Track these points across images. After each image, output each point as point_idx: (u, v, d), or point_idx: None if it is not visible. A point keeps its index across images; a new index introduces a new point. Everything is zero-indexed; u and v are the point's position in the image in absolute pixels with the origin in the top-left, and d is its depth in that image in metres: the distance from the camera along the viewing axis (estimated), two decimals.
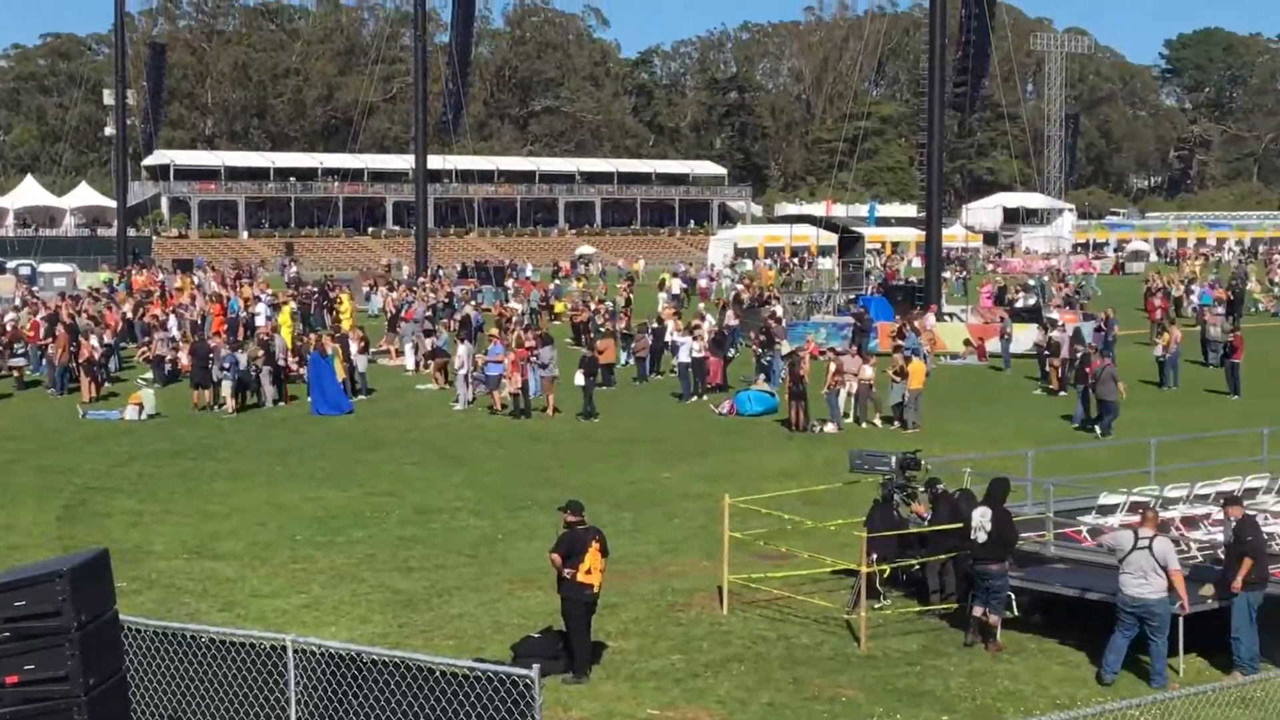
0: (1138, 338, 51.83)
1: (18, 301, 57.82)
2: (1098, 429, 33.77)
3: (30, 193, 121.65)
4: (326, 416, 36.70)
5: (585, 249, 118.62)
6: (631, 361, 44.95)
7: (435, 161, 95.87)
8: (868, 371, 35.60)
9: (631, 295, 62.46)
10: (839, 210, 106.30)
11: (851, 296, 55.92)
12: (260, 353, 39.53)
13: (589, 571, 16.31)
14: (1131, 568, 16.05)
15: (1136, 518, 17.33)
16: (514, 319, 51.19)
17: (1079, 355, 40.04)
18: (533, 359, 37.77)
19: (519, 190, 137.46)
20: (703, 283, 77.81)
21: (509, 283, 73.87)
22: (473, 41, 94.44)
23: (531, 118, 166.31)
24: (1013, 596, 18.17)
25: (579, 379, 36.91)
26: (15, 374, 43.15)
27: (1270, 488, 20.49)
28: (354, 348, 41.21)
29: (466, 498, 26.69)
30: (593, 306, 53.91)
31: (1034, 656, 17.43)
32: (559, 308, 62.07)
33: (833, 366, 35.23)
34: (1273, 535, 18.50)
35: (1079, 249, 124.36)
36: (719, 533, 19.91)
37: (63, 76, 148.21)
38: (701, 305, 61.80)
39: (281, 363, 39.89)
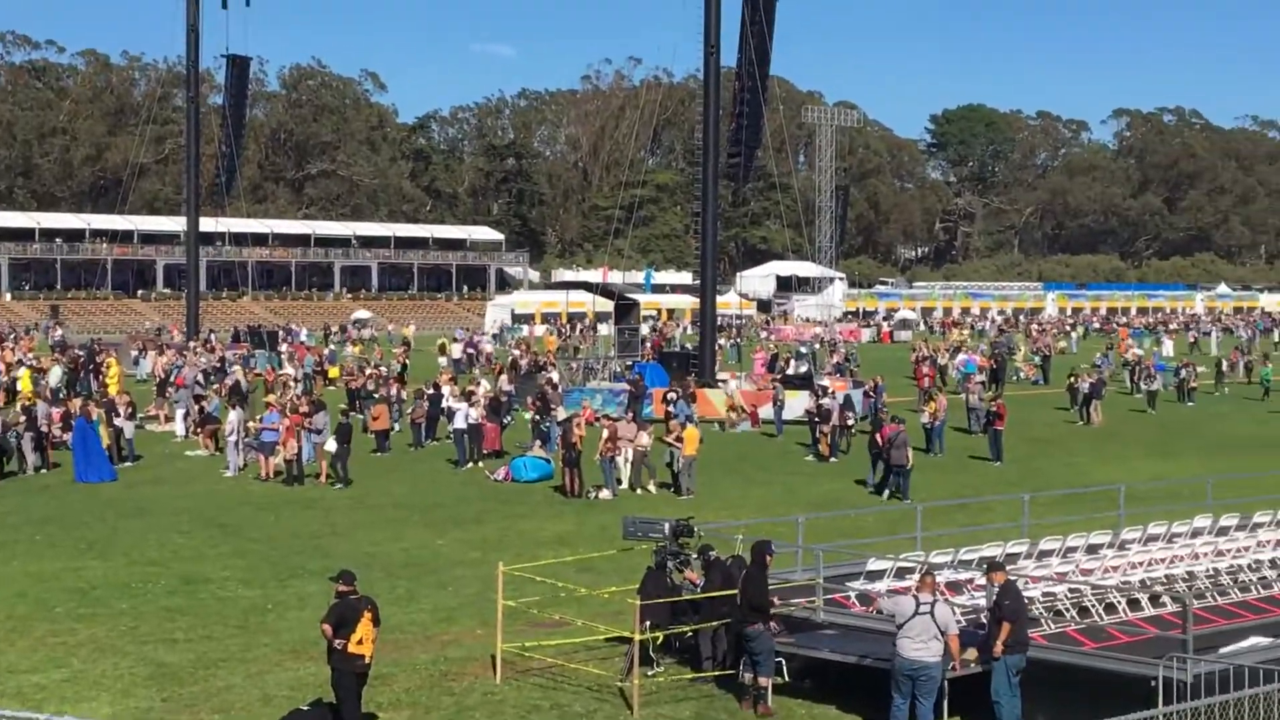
0: (906, 405, 52.98)
1: None
2: (885, 493, 34.43)
3: None
4: (91, 484, 35.68)
5: (361, 314, 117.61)
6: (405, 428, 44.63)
7: (208, 224, 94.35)
8: (644, 438, 35.82)
9: (407, 361, 62.05)
10: (615, 277, 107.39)
11: (627, 363, 56.26)
12: (21, 418, 38.32)
13: (360, 642, 16.07)
14: (913, 632, 16.31)
15: (912, 583, 17.65)
16: (288, 384, 50.49)
17: (849, 421, 40.91)
18: (307, 425, 37.25)
19: (294, 253, 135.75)
20: (487, 347, 77.67)
21: (283, 347, 72.81)
22: (247, 103, 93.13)
23: (307, 181, 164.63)
24: (783, 662, 18.38)
25: (330, 445, 36.42)
26: None
27: (1030, 553, 21.06)
28: (121, 413, 40.17)
29: (235, 566, 26.13)
30: (368, 372, 53.39)
31: None
32: (333, 373, 61.33)
33: (606, 433, 35.39)
34: (1033, 600, 19.01)
35: (849, 317, 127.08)
36: (493, 600, 19.80)
37: None
38: (476, 371, 61.65)
39: (44, 429, 38.70)
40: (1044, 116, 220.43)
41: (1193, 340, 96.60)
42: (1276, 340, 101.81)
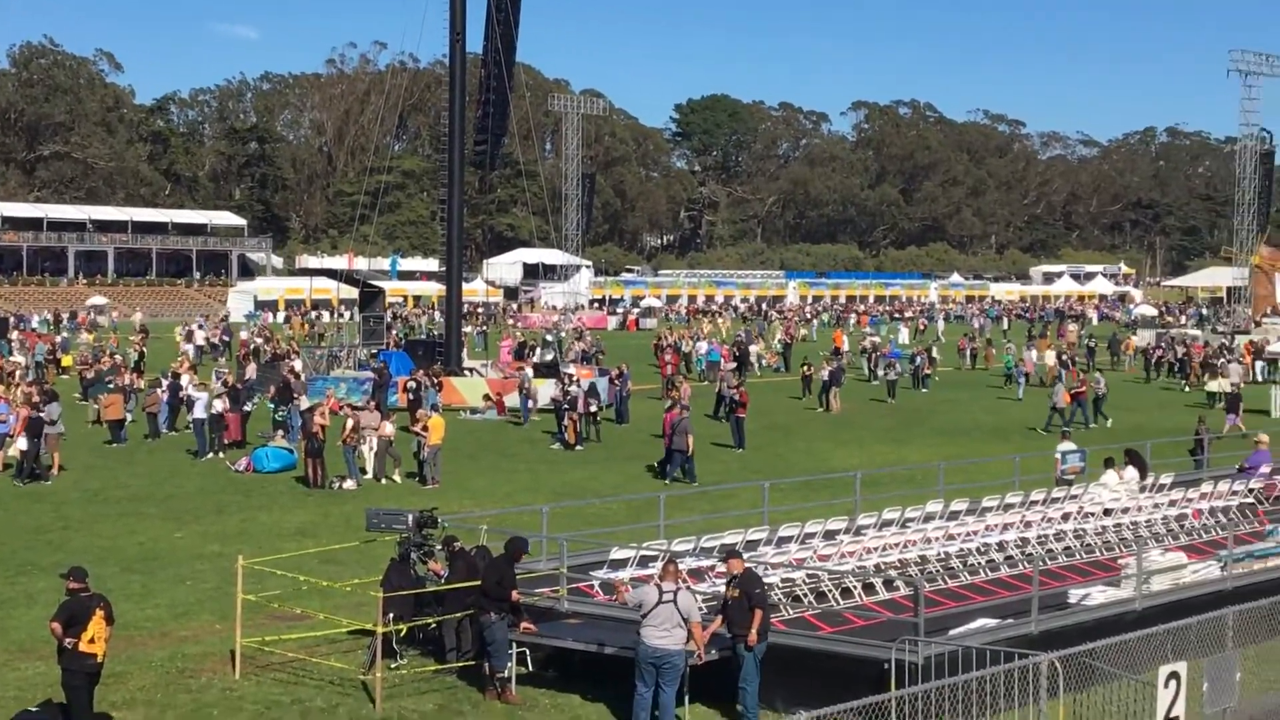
0: (650, 392, 53.50)
1: None
2: (668, 478, 34.94)
3: None
4: None
5: (97, 299, 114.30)
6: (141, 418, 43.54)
7: None
8: (387, 427, 35.53)
9: (144, 349, 60.52)
10: (361, 263, 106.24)
11: (372, 351, 55.71)
12: None
13: (92, 640, 15.63)
14: (656, 620, 16.45)
15: (655, 571, 17.84)
16: (18, 374, 48.85)
17: (593, 409, 41.09)
18: (40, 415, 36.02)
19: (25, 238, 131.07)
20: (242, 335, 76.20)
21: (13, 335, 70.38)
22: None
23: (39, 162, 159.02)
24: (527, 652, 18.41)
25: (21, 443, 35.12)
26: None
27: (770, 539, 21.44)
28: None
29: None
30: (103, 361, 51.92)
31: (547, 712, 17.66)
32: (66, 361, 59.52)
33: (350, 422, 35.00)
34: (771, 586, 19.37)
35: (595, 304, 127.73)
36: (233, 594, 19.46)
37: None
38: (222, 360, 60.42)
39: None
40: (786, 108, 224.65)
41: (922, 327, 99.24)
42: (1006, 328, 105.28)
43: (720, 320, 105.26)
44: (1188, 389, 61.07)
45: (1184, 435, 38.26)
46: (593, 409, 43.42)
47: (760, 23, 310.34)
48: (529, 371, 50.72)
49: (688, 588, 17.55)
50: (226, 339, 73.61)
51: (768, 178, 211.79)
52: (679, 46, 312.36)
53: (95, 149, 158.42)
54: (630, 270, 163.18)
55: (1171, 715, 13.71)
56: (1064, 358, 58.97)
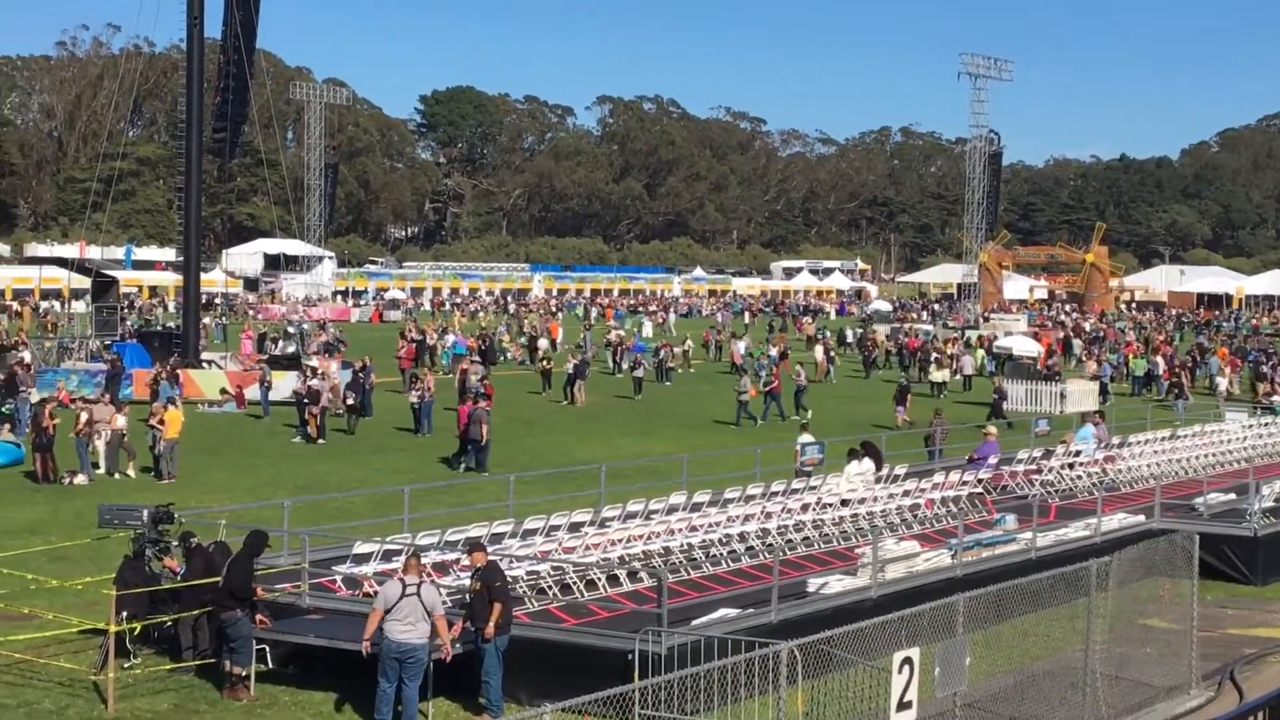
0: (393, 385, 53.03)
1: None
2: (461, 466, 35.21)
3: None
4: None
5: None
6: None
7: None
8: (120, 420, 34.56)
9: None
10: (94, 252, 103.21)
11: (106, 342, 54.14)
12: None
13: None
14: (400, 614, 16.28)
15: (399, 565, 17.64)
16: None
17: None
18: None
19: None
20: None
21: None
22: None
23: None
24: (267, 649, 18.07)
25: None
26: None
27: (515, 532, 21.40)
28: None
29: None
30: None
31: (288, 709, 17.37)
32: None
33: (84, 415, 33.96)
34: (517, 579, 19.35)
35: (339, 296, 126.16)
36: None
37: None
38: None
39: None
40: (531, 101, 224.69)
41: (660, 321, 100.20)
42: (747, 322, 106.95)
43: (483, 316, 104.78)
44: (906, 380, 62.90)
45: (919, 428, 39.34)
46: (349, 401, 43.15)
47: (506, 14, 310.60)
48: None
49: (431, 581, 17.43)
50: None
51: (513, 170, 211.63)
52: (424, 37, 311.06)
53: None
54: (374, 262, 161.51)
55: (904, 699, 14.04)
56: (780, 350, 60.54)
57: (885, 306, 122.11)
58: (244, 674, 17.58)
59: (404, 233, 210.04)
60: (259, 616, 18.02)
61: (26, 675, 18.17)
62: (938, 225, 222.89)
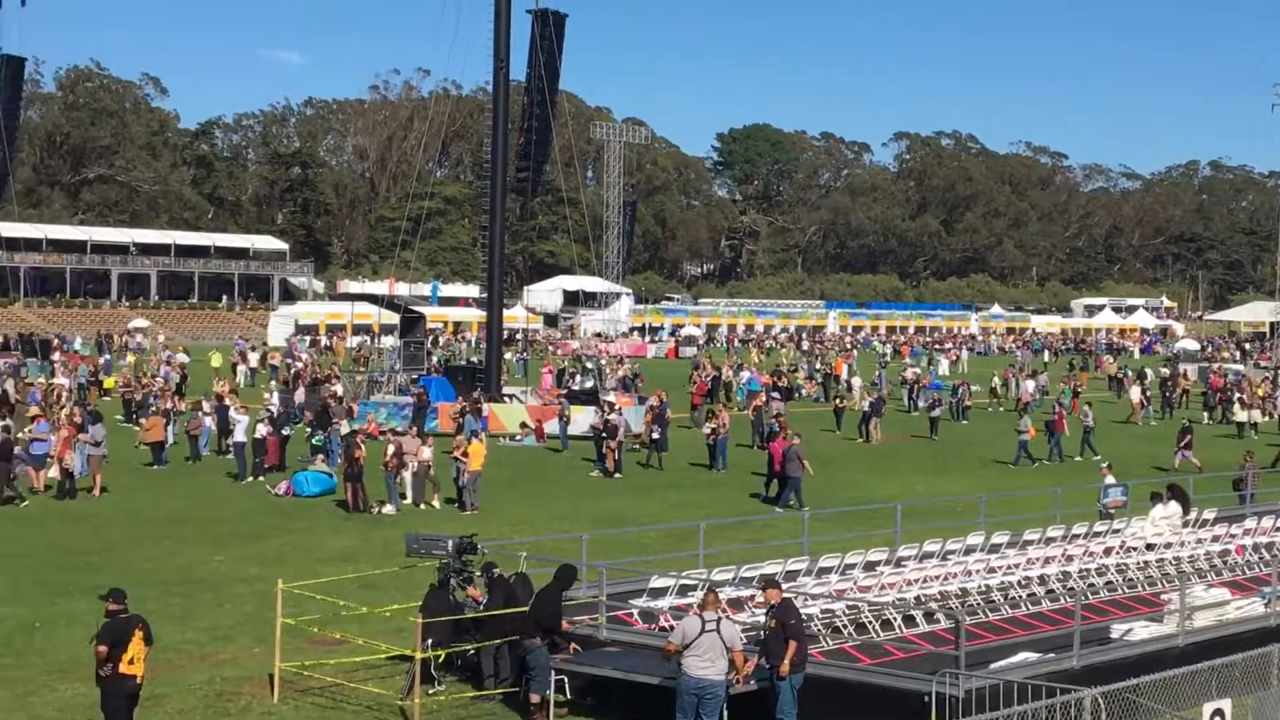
0: (683, 420, 53.40)
1: None
2: (791, 503, 35.15)
3: None
4: None
5: (139, 322, 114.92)
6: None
7: None
8: (426, 453, 35.55)
9: (186, 372, 60.80)
10: (402, 289, 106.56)
11: (413, 376, 55.83)
12: None
13: (131, 662, 15.65)
14: (699, 650, 16.37)
15: (694, 600, 17.74)
16: (62, 395, 49.13)
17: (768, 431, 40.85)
18: (82, 437, 36.27)
19: (69, 260, 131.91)
20: (305, 357, 76.51)
21: (56, 357, 70.80)
22: (22, 105, 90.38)
23: (84, 185, 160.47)
24: (565, 680, 18.35)
25: (72, 462, 35.54)
26: None
27: (810, 570, 21.34)
28: None
29: None
30: (144, 383, 52.19)
31: None
32: (109, 383, 59.83)
33: (391, 448, 35.06)
34: (811, 617, 19.28)
35: (635, 332, 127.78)
36: (272, 618, 19.47)
37: None
38: (274, 383, 60.57)
39: None
40: (827, 138, 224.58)
41: (954, 359, 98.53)
42: (1047, 360, 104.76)
43: (783, 353, 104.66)
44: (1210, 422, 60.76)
45: (1226, 470, 37.97)
46: (655, 435, 43.58)
47: (802, 53, 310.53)
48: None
49: (729, 617, 17.49)
50: (294, 359, 73.79)
51: (809, 207, 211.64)
52: (721, 76, 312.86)
53: (139, 172, 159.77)
54: (670, 299, 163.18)
55: None
56: (1072, 388, 59.08)
57: (1192, 345, 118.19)
58: (541, 702, 17.90)
59: (700, 269, 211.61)
60: (571, 646, 18.35)
61: (337, 699, 18.81)
62: (1249, 261, 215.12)
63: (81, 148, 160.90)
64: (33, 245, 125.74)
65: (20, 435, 37.30)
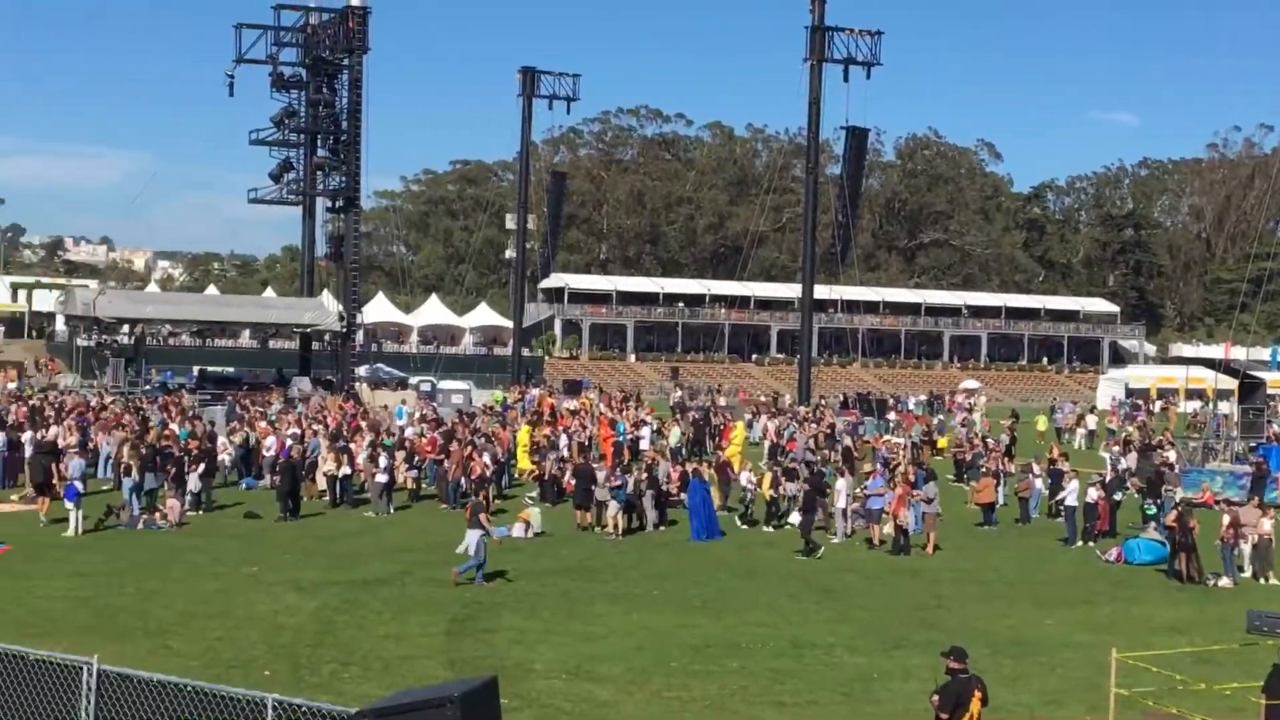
0: None
1: (417, 416, 59.97)
2: None
3: (433, 311, 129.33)
4: (704, 542, 37.01)
5: (970, 383, 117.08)
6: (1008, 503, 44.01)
7: (821, 291, 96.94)
8: (1266, 524, 33.88)
9: (1015, 433, 61.21)
10: (1238, 353, 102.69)
11: (1251, 444, 53.54)
12: (644, 476, 40.13)
13: None
14: None
15: None
16: (899, 453, 50.78)
17: None
18: (915, 494, 37.36)
19: (904, 322, 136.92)
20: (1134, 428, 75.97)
21: (890, 415, 73.28)
22: (864, 173, 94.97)
23: (919, 250, 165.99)
24: None
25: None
26: (410, 485, 44.62)
27: None
28: (743, 477, 41.84)
29: (841, 633, 26.34)
30: (975, 444, 52.99)
31: None
32: (942, 443, 61.21)
33: (1226, 518, 33.68)
34: None
35: None
36: (1104, 687, 19.19)
37: (469, 201, 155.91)
38: (1116, 447, 59.93)
39: (664, 487, 40.47)
40: None
41: None
42: None
43: None
44: None
45: None
46: None
47: None
48: None
49: None
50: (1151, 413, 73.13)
51: None
52: None
53: (973, 236, 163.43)
54: None
55: None
56: None
57: None
58: None
59: None
60: None
61: None
62: None
63: (918, 213, 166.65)
64: (870, 308, 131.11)
65: (856, 491, 38.81)
